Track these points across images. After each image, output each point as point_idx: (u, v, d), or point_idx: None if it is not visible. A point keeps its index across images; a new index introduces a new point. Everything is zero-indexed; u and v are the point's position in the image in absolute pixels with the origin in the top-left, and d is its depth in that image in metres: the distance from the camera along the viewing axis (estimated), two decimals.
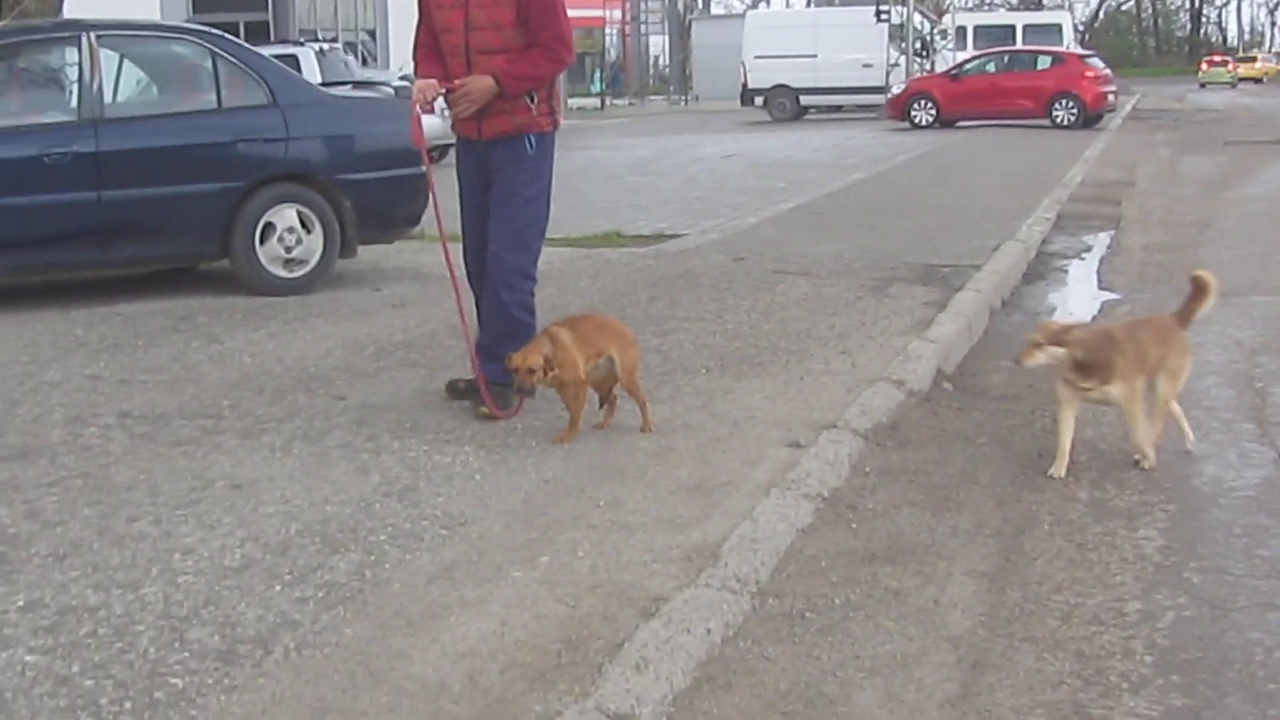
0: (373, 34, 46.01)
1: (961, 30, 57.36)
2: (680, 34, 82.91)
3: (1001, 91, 39.51)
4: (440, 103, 7.85)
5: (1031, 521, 6.16)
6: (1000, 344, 9.99)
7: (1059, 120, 38.17)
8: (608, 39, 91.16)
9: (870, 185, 21.41)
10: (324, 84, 15.54)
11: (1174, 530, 6.04)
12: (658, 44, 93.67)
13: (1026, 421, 7.83)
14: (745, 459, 6.66)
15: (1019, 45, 51.74)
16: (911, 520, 6.12)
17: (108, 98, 11.07)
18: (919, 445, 7.24)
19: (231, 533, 5.66)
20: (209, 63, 11.51)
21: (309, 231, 11.51)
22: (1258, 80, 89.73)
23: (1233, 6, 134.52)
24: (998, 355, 9.57)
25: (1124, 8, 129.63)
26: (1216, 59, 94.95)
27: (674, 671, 4.44)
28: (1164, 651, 4.81)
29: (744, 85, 49.82)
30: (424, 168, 8.64)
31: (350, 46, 33.26)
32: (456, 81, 7.46)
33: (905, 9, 48.66)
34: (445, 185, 7.98)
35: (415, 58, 7.85)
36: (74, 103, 10.99)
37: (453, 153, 8.42)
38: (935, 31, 53.41)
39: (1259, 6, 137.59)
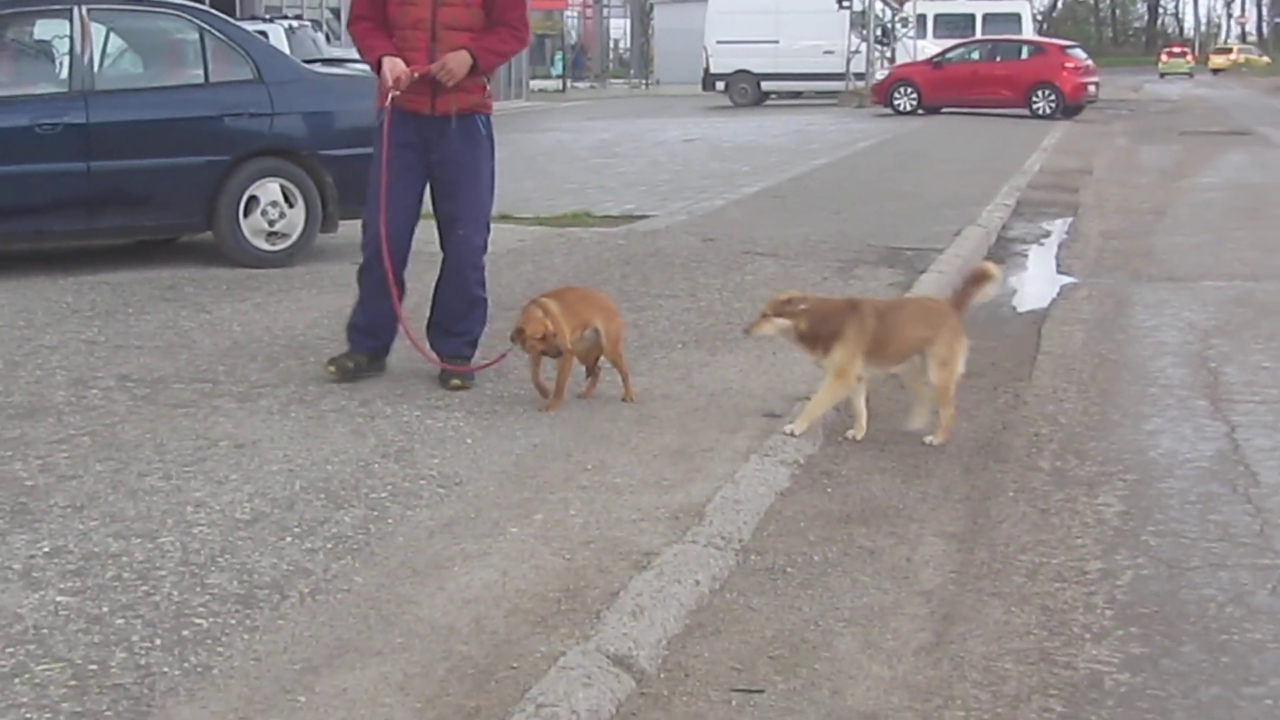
0: (336, 12, 46.00)
1: (922, 18, 57.75)
2: (642, 17, 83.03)
3: (982, 80, 39.79)
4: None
5: (997, 488, 6.48)
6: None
7: (1038, 110, 38.41)
8: (569, 21, 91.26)
9: (833, 170, 21.72)
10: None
11: (1132, 497, 6.36)
12: (619, 27, 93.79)
13: (989, 396, 8.14)
14: (724, 427, 6.97)
15: (979, 34, 52.13)
16: (883, 486, 6.44)
17: (98, 70, 11.29)
18: (888, 416, 7.53)
19: (239, 488, 5.94)
20: (197, 38, 11.73)
21: (291, 206, 11.74)
22: (1216, 72, 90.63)
23: None
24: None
25: None
26: (1176, 50, 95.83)
27: (667, 618, 4.74)
28: (1123, 606, 5.13)
29: (706, 70, 49.78)
30: None
31: (315, 24, 33.27)
32: (434, 65, 7.48)
33: None
34: None
35: (357, 30, 7.74)
36: (65, 74, 11.22)
37: None
38: (896, 19, 53.66)
39: None
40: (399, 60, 7.46)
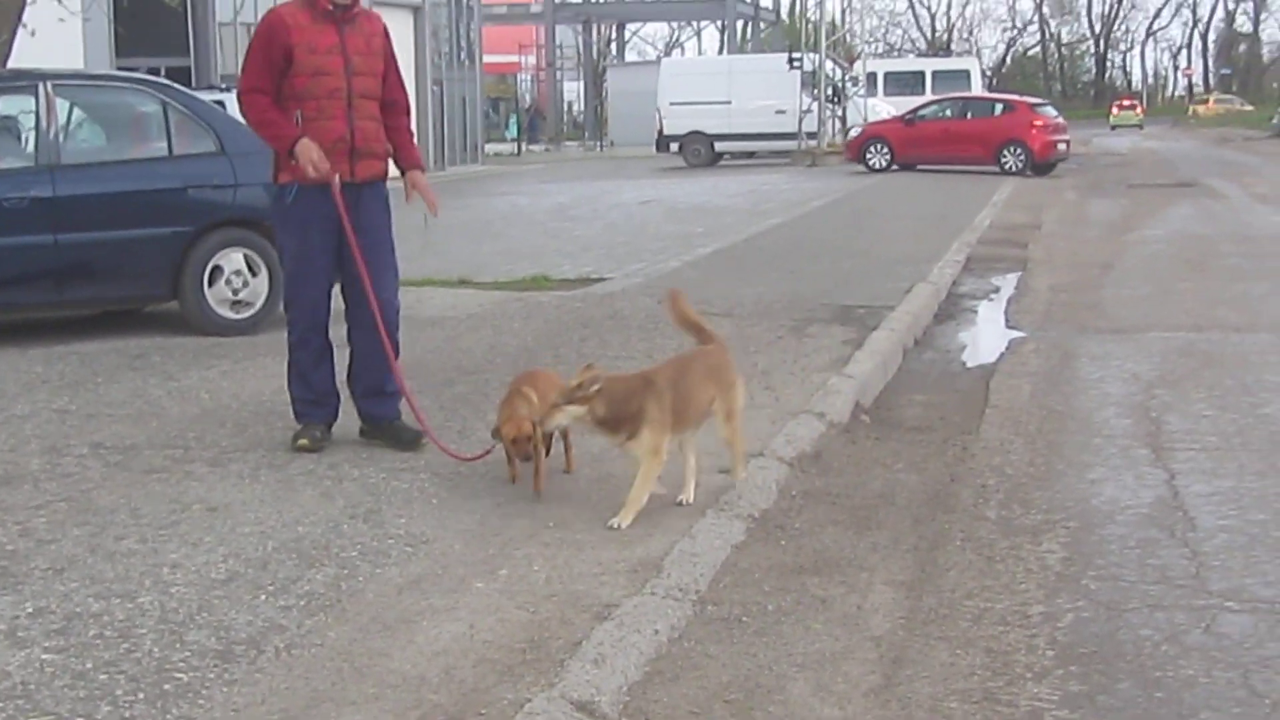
0: None
1: (872, 76, 58.40)
2: (595, 80, 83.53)
3: (953, 137, 39.90)
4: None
5: (944, 538, 6.72)
6: (914, 380, 10.64)
7: (1007, 167, 38.39)
8: (523, 84, 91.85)
9: (786, 230, 22.01)
10: None
11: (1074, 544, 6.62)
12: (572, 90, 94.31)
13: (939, 450, 8.40)
14: (680, 484, 7.19)
15: (929, 92, 52.74)
16: (835, 537, 6.67)
17: (64, 144, 11.57)
18: (840, 471, 7.80)
19: (214, 549, 6.15)
20: (160, 111, 12.01)
21: (255, 274, 11.98)
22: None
23: (1136, 52, 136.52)
24: (911, 390, 10.19)
25: (1030, 53, 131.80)
26: (1125, 103, 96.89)
27: (628, 666, 4.97)
28: (1064, 647, 5.37)
29: (659, 131, 49.83)
30: None
31: None
32: (412, 187, 8.03)
33: (817, 56, 49.29)
34: None
35: (256, 103, 7.70)
36: (31, 149, 11.50)
37: None
38: (847, 78, 54.09)
39: (1162, 51, 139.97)
40: (314, 145, 7.56)
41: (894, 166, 40.12)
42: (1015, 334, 12.76)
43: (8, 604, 5.48)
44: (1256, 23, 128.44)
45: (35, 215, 11.18)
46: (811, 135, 47.84)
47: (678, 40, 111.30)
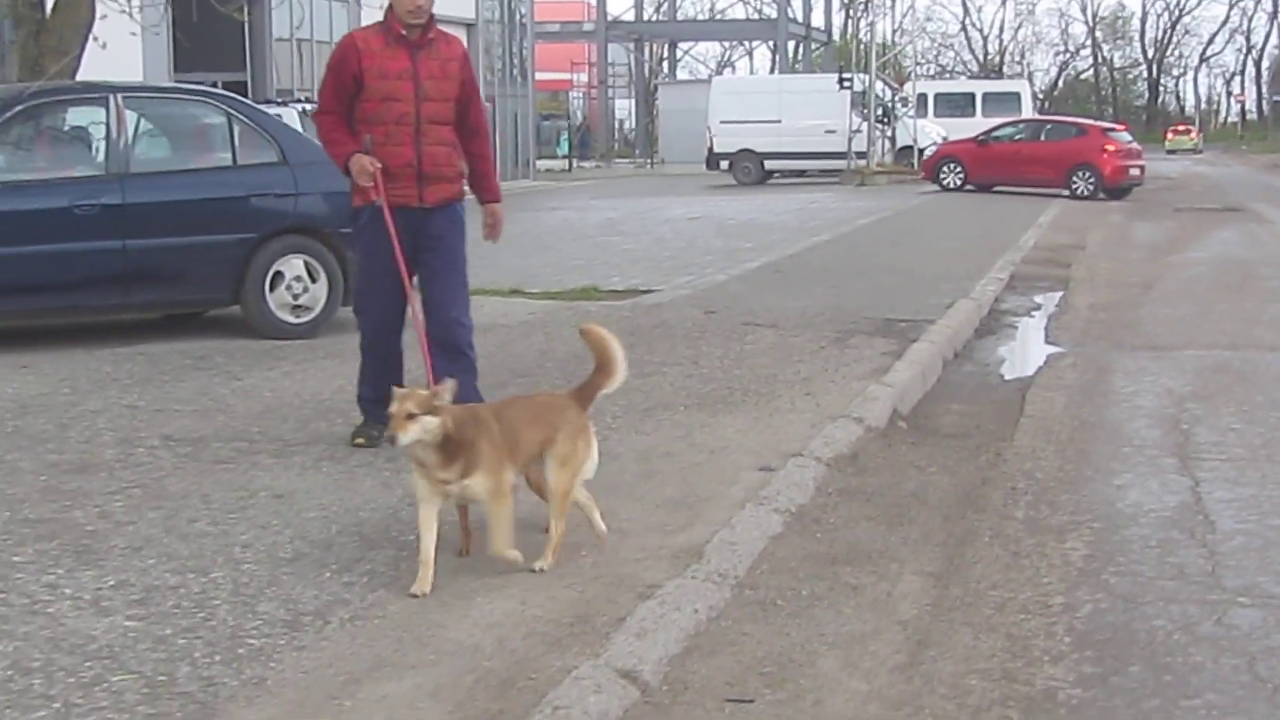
0: None
1: (923, 97, 58.49)
2: (646, 98, 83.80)
3: (1025, 159, 39.45)
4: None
5: (973, 535, 7.05)
6: (952, 390, 10.93)
7: (1077, 191, 37.86)
8: (574, 101, 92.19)
9: (832, 246, 22.29)
10: None
11: (1097, 543, 6.94)
12: (624, 108, 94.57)
13: (972, 455, 8.71)
14: (722, 480, 7.54)
15: (979, 113, 52.81)
16: (868, 532, 7.01)
17: (133, 154, 12.04)
18: (875, 472, 8.14)
19: (281, 531, 6.55)
20: (225, 122, 12.48)
21: (315, 280, 12.42)
22: None
23: (1189, 77, 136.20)
24: (949, 400, 10.49)
25: (1083, 76, 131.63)
26: (1180, 128, 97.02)
27: (668, 640, 5.32)
28: (1081, 634, 5.71)
29: (710, 149, 50.04)
30: None
31: None
32: (489, 222, 8.33)
33: (868, 77, 49.47)
34: None
35: (326, 122, 7.97)
36: (101, 158, 11.97)
37: None
38: (897, 99, 54.24)
39: (1216, 76, 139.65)
40: (365, 158, 7.71)
41: (968, 186, 39.94)
42: (1054, 349, 13.03)
43: (90, 578, 5.88)
44: None
45: (105, 221, 11.62)
46: (861, 155, 47.91)
47: (729, 59, 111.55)
